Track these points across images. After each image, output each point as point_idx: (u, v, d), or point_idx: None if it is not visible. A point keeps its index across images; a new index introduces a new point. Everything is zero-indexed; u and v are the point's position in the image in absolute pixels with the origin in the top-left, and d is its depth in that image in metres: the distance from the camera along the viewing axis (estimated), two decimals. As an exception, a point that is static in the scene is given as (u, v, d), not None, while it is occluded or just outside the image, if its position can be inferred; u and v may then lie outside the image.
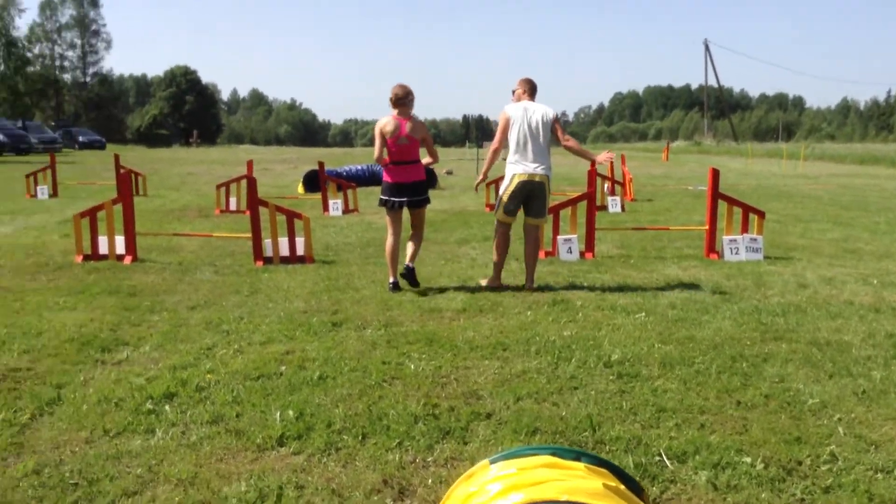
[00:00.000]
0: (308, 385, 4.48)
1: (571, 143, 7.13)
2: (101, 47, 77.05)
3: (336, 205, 14.21)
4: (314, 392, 4.36)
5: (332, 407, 4.14)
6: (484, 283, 7.31)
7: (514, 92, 7.21)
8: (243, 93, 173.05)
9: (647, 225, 11.73)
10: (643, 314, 6.13)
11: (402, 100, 6.91)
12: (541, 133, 6.92)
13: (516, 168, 6.95)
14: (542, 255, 8.81)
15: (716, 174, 8.90)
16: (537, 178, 6.93)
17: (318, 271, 8.03)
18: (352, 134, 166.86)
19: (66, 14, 74.27)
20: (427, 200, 7.16)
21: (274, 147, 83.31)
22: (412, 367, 4.83)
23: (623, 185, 16.10)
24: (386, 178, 7.02)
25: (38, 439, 3.74)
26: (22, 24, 71.38)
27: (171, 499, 3.14)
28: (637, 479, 2.42)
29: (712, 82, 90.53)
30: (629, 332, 5.63)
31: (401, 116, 6.90)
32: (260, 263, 8.42)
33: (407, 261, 6.99)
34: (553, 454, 2.31)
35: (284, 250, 8.56)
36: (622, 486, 2.25)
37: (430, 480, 3.31)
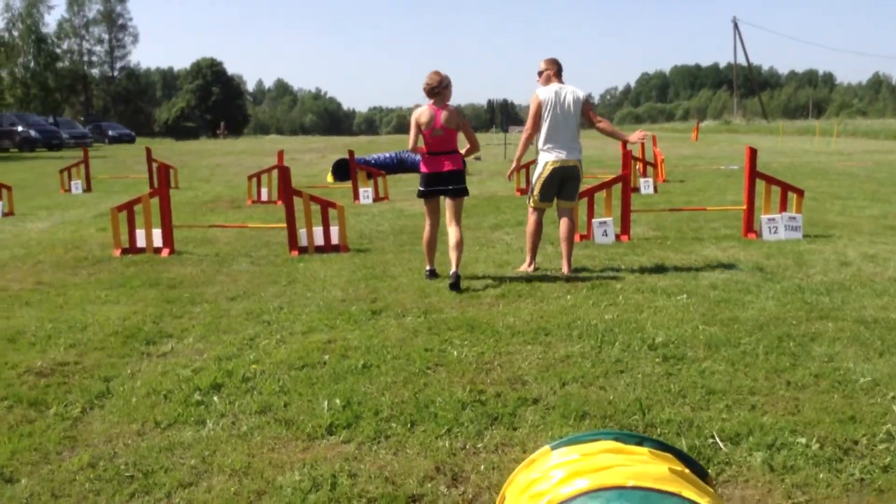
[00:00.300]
0: (352, 374, 4.49)
1: (604, 124, 7.10)
2: (128, 41, 77.79)
3: (366, 193, 14.22)
4: (359, 380, 4.37)
5: (378, 395, 4.15)
6: (521, 269, 7.29)
7: (540, 73, 7.14)
8: (268, 83, 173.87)
9: (681, 206, 11.60)
10: (684, 296, 6.07)
11: (436, 88, 6.64)
12: (572, 116, 6.90)
13: (549, 155, 6.96)
14: (577, 238, 8.76)
15: (753, 153, 8.76)
16: (571, 163, 6.95)
17: (353, 260, 8.05)
18: (377, 122, 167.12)
19: (94, 9, 75.02)
20: (465, 191, 6.86)
21: (300, 136, 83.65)
22: (455, 353, 4.82)
23: (655, 166, 15.93)
24: (423, 168, 6.83)
25: (91, 432, 3.78)
26: (51, 21, 72.37)
27: (227, 489, 3.16)
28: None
29: (741, 60, 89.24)
30: (671, 314, 5.57)
31: (436, 106, 6.66)
32: (295, 253, 8.45)
33: (453, 268, 6.57)
34: (615, 439, 2.29)
35: (319, 240, 8.59)
36: (687, 471, 2.22)
37: (482, 467, 3.30)
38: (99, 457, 3.49)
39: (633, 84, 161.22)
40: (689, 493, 1.97)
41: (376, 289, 6.67)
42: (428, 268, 7.01)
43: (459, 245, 6.70)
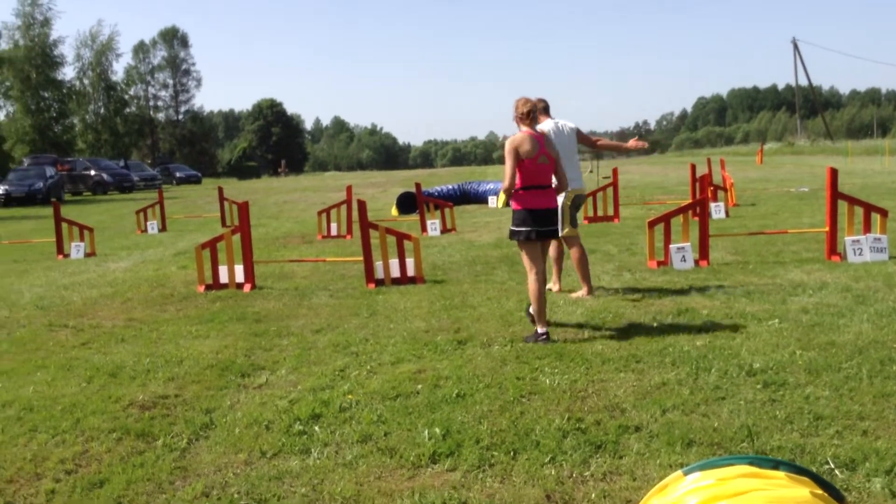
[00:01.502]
0: (447, 403, 4.51)
1: (603, 141, 7.62)
2: (192, 86, 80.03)
3: (434, 225, 14.33)
4: (455, 409, 4.39)
5: (475, 423, 4.16)
6: (575, 295, 7.36)
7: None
8: (326, 121, 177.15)
9: (756, 229, 11.39)
10: (776, 321, 5.94)
11: (532, 112, 5.92)
12: (574, 146, 7.38)
13: (570, 183, 7.05)
14: (655, 264, 8.69)
15: (834, 174, 8.58)
16: (581, 192, 7.42)
17: (430, 291, 8.10)
18: (432, 155, 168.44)
19: (159, 56, 77.66)
20: (558, 231, 6.16)
21: (358, 172, 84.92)
22: (547, 381, 4.80)
23: (725, 190, 15.69)
24: (517, 205, 5.89)
25: (200, 462, 3.87)
26: (118, 68, 75.00)
27: (340, 517, 3.20)
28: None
29: (802, 81, 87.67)
30: (765, 339, 5.46)
31: (535, 132, 5.92)
32: (372, 286, 8.55)
33: (550, 284, 6.02)
34: (750, 463, 2.25)
35: (395, 272, 8.68)
36: (826, 494, 2.17)
37: (592, 495, 3.27)
38: (211, 486, 3.57)
39: (689, 109, 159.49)
40: (833, 517, 1.93)
41: (458, 319, 6.69)
42: (540, 329, 5.81)
43: (561, 258, 6.25)
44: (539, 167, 5.83)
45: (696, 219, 9.50)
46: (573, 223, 7.38)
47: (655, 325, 6.06)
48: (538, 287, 5.85)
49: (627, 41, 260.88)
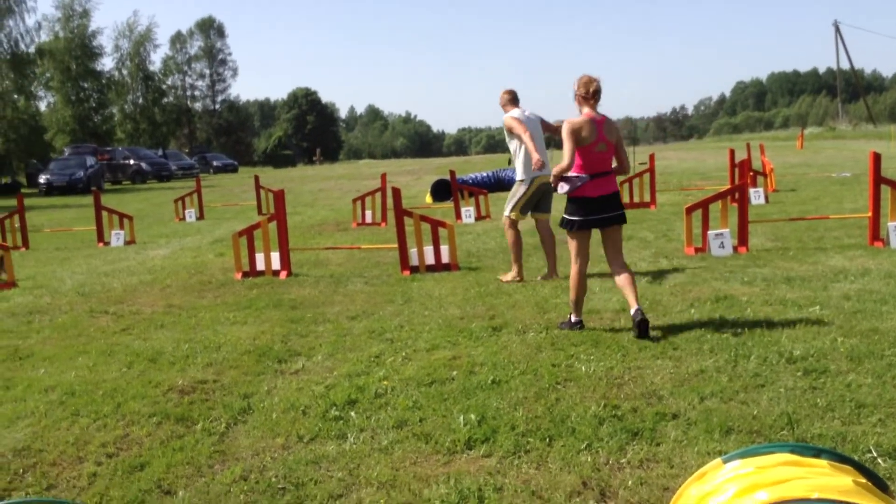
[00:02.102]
0: (482, 389, 4.51)
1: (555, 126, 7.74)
2: (228, 75, 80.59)
3: (468, 212, 14.32)
4: (490, 396, 4.38)
5: (511, 410, 4.15)
6: (507, 278, 7.71)
7: (500, 102, 7.85)
8: (360, 109, 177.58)
9: (797, 215, 11.20)
10: (817, 307, 5.83)
11: (597, 94, 5.50)
12: (541, 135, 7.64)
13: (535, 172, 7.46)
14: (692, 251, 8.59)
15: (877, 158, 8.38)
16: (548, 179, 7.32)
17: (465, 278, 8.09)
18: (466, 142, 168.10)
19: (196, 46, 78.30)
20: (625, 217, 5.72)
21: (392, 160, 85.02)
22: (583, 368, 4.77)
23: (765, 175, 15.43)
24: (578, 192, 5.55)
25: (238, 447, 3.92)
26: (156, 59, 75.72)
27: (376, 501, 3.22)
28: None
29: (843, 64, 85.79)
30: (806, 326, 5.36)
31: (595, 115, 5.51)
32: (407, 273, 8.57)
33: (633, 306, 5.41)
34: (791, 451, 2.21)
35: (430, 259, 8.68)
36: (869, 483, 2.13)
37: (629, 482, 3.25)
38: (249, 469, 3.61)
39: (727, 93, 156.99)
40: (876, 505, 1.89)
41: (493, 306, 6.68)
42: (574, 318, 5.73)
43: (631, 280, 5.53)
44: (596, 155, 5.48)
45: (735, 204, 9.35)
46: (538, 210, 7.74)
47: (693, 311, 5.98)
48: (578, 276, 5.64)
49: (664, 25, 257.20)
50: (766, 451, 2.20)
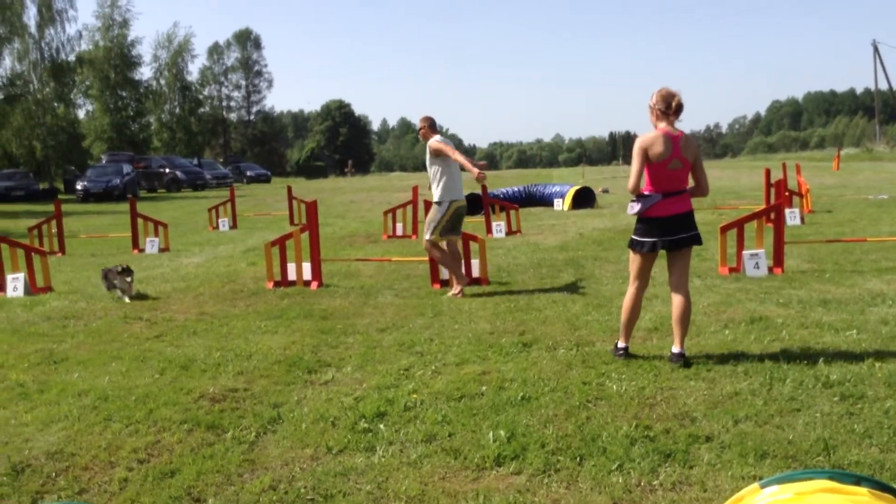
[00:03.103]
0: (512, 405, 4.48)
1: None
2: (264, 87, 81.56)
3: (499, 227, 14.30)
4: (520, 412, 4.35)
5: (541, 427, 4.11)
6: (455, 292, 7.99)
7: (420, 129, 8.27)
8: (392, 122, 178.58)
9: (833, 237, 11.03)
10: (854, 331, 5.73)
11: (680, 109, 5.13)
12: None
13: (455, 194, 8.00)
14: (726, 271, 8.49)
15: (918, 180, 8.22)
16: (463, 203, 8.13)
17: (495, 292, 8.07)
18: (497, 157, 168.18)
19: (232, 57, 79.40)
20: (699, 237, 5.31)
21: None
22: (614, 387, 4.73)
23: (801, 196, 15.23)
24: (649, 212, 5.19)
25: (268, 456, 3.93)
26: (193, 69, 76.86)
27: (405, 516, 3.20)
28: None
29: (882, 85, 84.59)
30: (843, 350, 5.26)
31: (672, 131, 5.13)
32: (437, 286, 8.56)
33: (676, 347, 5.20)
34: (830, 478, 2.16)
35: (461, 272, 8.65)
36: (912, 514, 2.07)
37: (661, 504, 3.20)
38: (279, 479, 3.61)
39: (763, 112, 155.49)
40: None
41: (523, 321, 6.65)
42: (622, 344, 5.43)
43: (687, 315, 5.22)
44: (669, 173, 5.10)
45: (770, 225, 9.23)
46: (452, 232, 8.11)
47: (727, 332, 5.91)
48: (633, 300, 5.35)
49: (699, 42, 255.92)
50: (804, 478, 2.15)
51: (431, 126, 8.18)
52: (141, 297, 8.52)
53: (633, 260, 5.34)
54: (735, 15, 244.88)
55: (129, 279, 8.38)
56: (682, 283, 5.25)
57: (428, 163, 8.13)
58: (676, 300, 5.22)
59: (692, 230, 5.22)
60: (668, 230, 5.15)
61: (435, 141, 8.01)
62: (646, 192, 5.15)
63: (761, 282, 7.96)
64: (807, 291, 7.36)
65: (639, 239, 5.25)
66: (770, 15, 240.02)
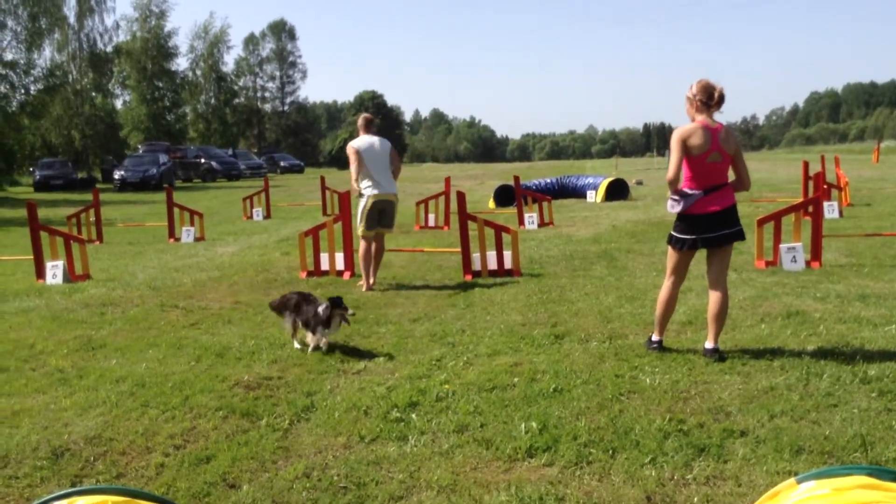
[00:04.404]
0: (544, 397, 4.47)
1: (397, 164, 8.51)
2: (298, 78, 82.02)
3: (532, 218, 14.25)
4: (552, 404, 4.34)
5: (573, 419, 4.10)
6: (364, 287, 8.11)
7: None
8: (425, 113, 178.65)
9: (872, 231, 10.83)
10: (893, 327, 5.63)
11: (721, 101, 5.00)
12: (387, 160, 8.26)
13: (374, 189, 8.11)
14: (763, 264, 8.37)
15: (962, 173, 8.03)
16: (384, 197, 8.16)
17: (527, 284, 8.05)
18: (529, 148, 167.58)
19: (267, 48, 79.90)
20: (742, 233, 5.16)
21: (455, 164, 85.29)
22: (647, 380, 4.70)
23: (839, 189, 14.97)
24: (689, 208, 5.03)
25: (301, 444, 3.97)
26: (229, 60, 77.54)
27: (437, 505, 3.22)
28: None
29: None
30: (882, 346, 5.18)
31: (711, 123, 5.00)
32: (469, 277, 8.57)
33: (710, 342, 5.13)
34: (869, 474, 2.13)
35: (493, 264, 8.67)
36: (952, 512, 2.03)
37: (695, 499, 3.18)
38: (312, 467, 3.65)
39: (801, 104, 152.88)
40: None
41: (555, 313, 6.63)
42: (656, 337, 5.39)
43: (724, 312, 5.12)
44: (709, 166, 4.94)
45: (808, 218, 9.10)
46: (382, 224, 8.25)
47: (763, 327, 5.83)
48: (669, 294, 5.24)
49: (733, 32, 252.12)
50: (842, 473, 2.12)
51: (364, 125, 8.41)
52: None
53: (671, 256, 5.24)
54: (773, 3, 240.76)
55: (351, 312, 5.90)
56: (720, 280, 5.13)
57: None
58: (713, 297, 5.12)
59: (734, 226, 5.06)
60: (709, 227, 5.02)
61: (350, 144, 8.27)
62: (686, 190, 5.01)
63: (798, 276, 7.84)
64: (845, 286, 7.24)
65: (678, 236, 5.13)
66: (809, 4, 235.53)
